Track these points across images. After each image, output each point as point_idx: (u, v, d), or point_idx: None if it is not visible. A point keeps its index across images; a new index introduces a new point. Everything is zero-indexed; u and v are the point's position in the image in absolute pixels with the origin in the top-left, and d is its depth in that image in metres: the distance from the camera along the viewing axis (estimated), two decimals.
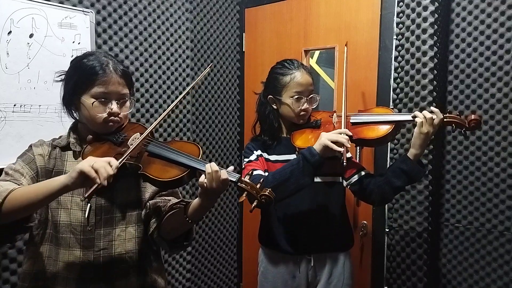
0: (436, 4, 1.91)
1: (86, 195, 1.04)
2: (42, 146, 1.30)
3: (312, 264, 1.69)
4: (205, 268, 2.62)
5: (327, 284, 1.69)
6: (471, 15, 1.98)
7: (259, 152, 1.68)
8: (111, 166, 1.05)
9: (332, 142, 1.44)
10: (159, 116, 1.31)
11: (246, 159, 1.67)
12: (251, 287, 2.75)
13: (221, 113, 2.67)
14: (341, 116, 1.66)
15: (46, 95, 1.79)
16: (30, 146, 1.30)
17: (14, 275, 1.76)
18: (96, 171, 1.02)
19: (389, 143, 2.04)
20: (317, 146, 1.48)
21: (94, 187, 1.03)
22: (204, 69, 1.34)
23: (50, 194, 1.07)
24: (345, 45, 1.64)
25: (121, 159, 1.13)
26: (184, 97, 2.27)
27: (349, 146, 1.45)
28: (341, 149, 1.43)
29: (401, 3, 2.03)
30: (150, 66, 2.24)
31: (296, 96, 1.62)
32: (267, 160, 1.68)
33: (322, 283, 1.69)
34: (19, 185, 1.16)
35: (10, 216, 1.09)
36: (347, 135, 1.48)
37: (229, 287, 2.83)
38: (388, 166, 2.11)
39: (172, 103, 2.34)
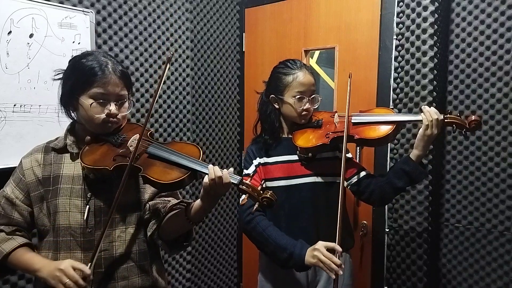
0: (436, 4, 1.92)
1: None
2: (32, 156, 1.30)
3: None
4: (205, 268, 2.62)
5: (327, 284, 1.69)
6: (471, 15, 1.98)
7: (257, 161, 1.68)
8: (83, 275, 1.11)
9: (324, 265, 1.42)
10: (147, 117, 1.31)
11: (245, 170, 1.69)
12: (251, 287, 2.76)
13: (221, 113, 2.67)
14: (342, 116, 1.67)
15: (46, 95, 1.78)
16: (21, 160, 1.31)
17: (14, 275, 1.75)
18: None
19: (389, 143, 2.04)
20: (308, 259, 1.47)
21: None
22: (166, 63, 1.34)
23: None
24: (349, 76, 1.65)
25: (91, 264, 1.15)
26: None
27: (341, 273, 1.40)
28: (332, 276, 1.40)
29: (401, 3, 2.03)
30: (150, 66, 2.24)
31: (298, 96, 1.63)
32: (266, 164, 1.69)
33: (322, 283, 1.69)
34: (11, 228, 1.25)
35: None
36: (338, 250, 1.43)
37: (229, 287, 2.83)
38: (388, 166, 2.11)
39: (172, 103, 2.36)
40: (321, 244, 1.45)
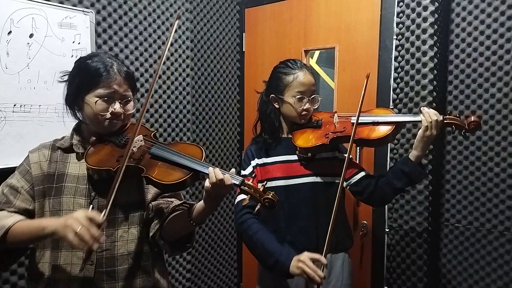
0: (436, 4, 1.91)
1: (81, 267, 1.12)
2: (39, 151, 1.30)
3: None
4: (205, 268, 2.62)
5: (326, 284, 1.68)
6: (471, 15, 1.98)
7: (255, 162, 1.69)
8: (96, 224, 1.06)
9: (308, 277, 1.41)
10: (141, 112, 1.29)
11: (243, 171, 1.69)
12: (251, 287, 2.76)
13: (221, 113, 2.67)
14: (342, 116, 1.67)
15: (46, 95, 1.78)
16: (28, 153, 1.31)
17: (14, 275, 1.76)
18: (81, 239, 1.02)
19: (389, 143, 2.04)
20: (293, 269, 1.46)
21: (85, 255, 1.05)
22: (175, 21, 1.33)
23: (39, 239, 1.18)
24: (367, 76, 1.61)
25: (105, 210, 1.10)
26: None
27: (323, 284, 1.41)
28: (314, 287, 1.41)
29: (401, 3, 2.03)
30: (150, 66, 2.24)
31: (298, 96, 1.63)
32: (264, 164, 1.69)
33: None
34: (12, 209, 1.23)
35: (9, 247, 1.19)
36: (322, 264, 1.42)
37: (229, 287, 2.83)
38: (388, 166, 2.11)
39: (172, 103, 2.36)
40: (306, 256, 1.45)
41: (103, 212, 1.09)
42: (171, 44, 2.34)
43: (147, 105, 1.30)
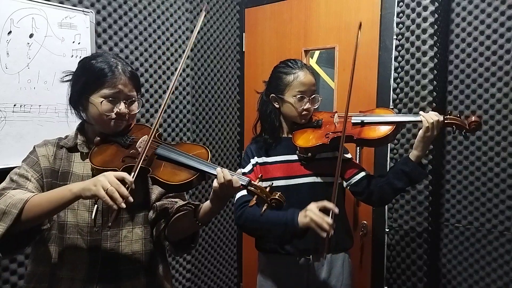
0: (436, 4, 1.92)
1: (109, 224, 1.09)
2: (46, 146, 1.29)
3: (311, 264, 1.69)
4: (205, 268, 2.62)
5: (327, 282, 1.69)
6: (471, 15, 1.98)
7: (255, 160, 1.69)
8: (126, 184, 1.06)
9: (316, 225, 1.42)
10: (159, 111, 1.30)
11: (242, 169, 1.69)
12: (251, 287, 2.76)
13: (221, 113, 2.67)
14: (342, 116, 1.67)
15: (46, 95, 1.78)
16: (34, 147, 1.30)
17: (14, 275, 1.76)
18: (111, 197, 1.03)
19: (389, 143, 2.04)
20: (301, 220, 1.48)
21: (114, 214, 1.06)
22: (200, 15, 1.35)
23: (64, 204, 1.11)
24: (359, 27, 1.53)
25: (133, 173, 1.12)
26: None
27: (332, 232, 1.41)
28: (323, 235, 1.41)
29: (401, 3, 2.03)
30: (150, 66, 2.24)
31: (298, 96, 1.63)
32: (264, 164, 1.69)
33: (321, 281, 1.69)
34: (28, 190, 1.18)
35: (26, 225, 1.13)
36: (333, 211, 1.42)
37: (229, 287, 2.84)
38: (388, 166, 2.11)
39: (172, 103, 2.36)
40: (312, 204, 1.47)
41: (132, 174, 1.10)
42: (171, 44, 2.34)
43: (160, 117, 1.30)
